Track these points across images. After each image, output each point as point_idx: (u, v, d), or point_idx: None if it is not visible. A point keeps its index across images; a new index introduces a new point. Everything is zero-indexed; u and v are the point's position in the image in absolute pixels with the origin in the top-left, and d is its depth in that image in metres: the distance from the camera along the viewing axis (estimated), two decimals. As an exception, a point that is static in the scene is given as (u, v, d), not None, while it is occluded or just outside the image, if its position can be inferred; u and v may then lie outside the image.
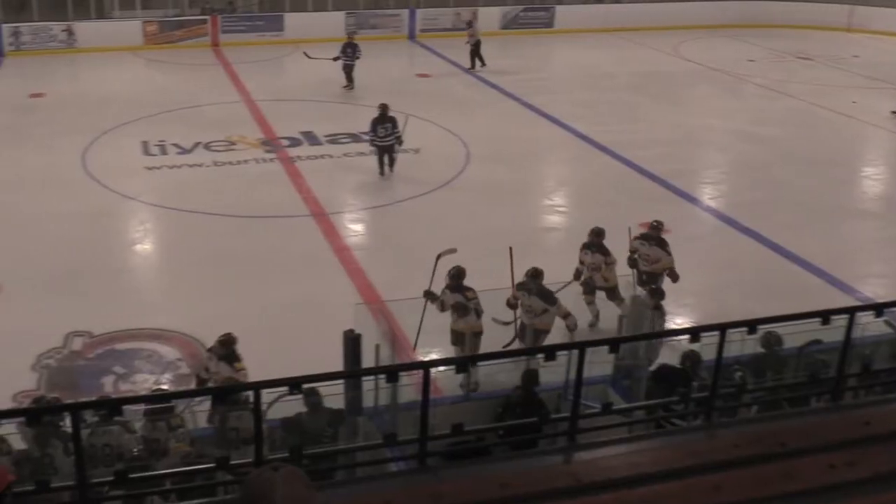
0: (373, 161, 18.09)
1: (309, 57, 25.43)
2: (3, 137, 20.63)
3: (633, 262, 12.32)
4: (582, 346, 6.60)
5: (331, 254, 14.38)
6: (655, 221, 12.54)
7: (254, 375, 8.44)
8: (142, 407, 8.27)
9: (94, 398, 9.65)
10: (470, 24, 29.20)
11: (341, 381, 8.52)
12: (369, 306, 11.33)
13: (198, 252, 14.45)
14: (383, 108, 17.82)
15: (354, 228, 15.78)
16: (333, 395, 8.23)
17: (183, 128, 21.09)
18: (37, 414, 7.05)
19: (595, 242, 12.08)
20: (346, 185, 18.13)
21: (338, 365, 8.89)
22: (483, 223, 15.51)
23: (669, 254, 12.25)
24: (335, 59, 24.75)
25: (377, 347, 9.64)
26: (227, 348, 9.58)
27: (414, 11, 33.05)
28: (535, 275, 10.71)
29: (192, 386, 10.19)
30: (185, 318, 12.14)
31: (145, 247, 15.36)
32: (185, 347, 11.50)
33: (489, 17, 33.61)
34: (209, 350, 9.85)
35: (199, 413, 8.48)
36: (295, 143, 20.19)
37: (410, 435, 6.03)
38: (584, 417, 6.25)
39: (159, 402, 8.12)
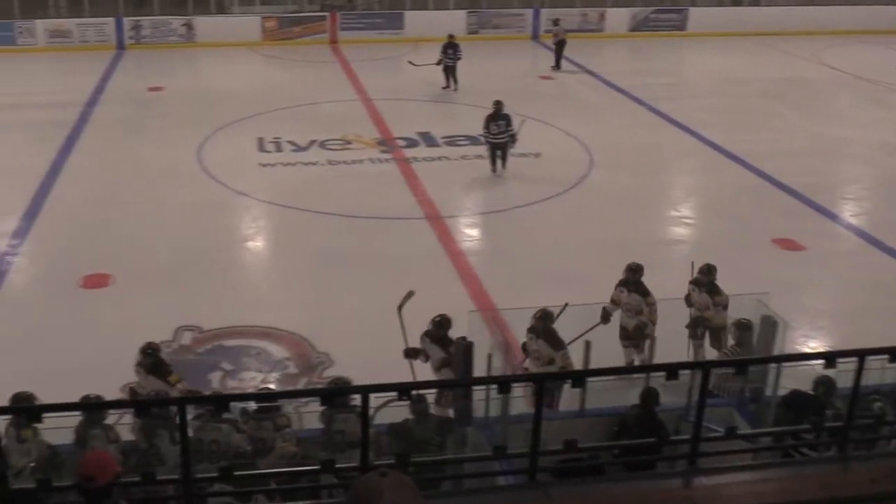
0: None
1: (414, 65, 25.78)
2: (121, 130, 21.46)
3: (689, 302, 11.22)
4: (707, 366, 6.50)
5: (445, 258, 14.47)
6: (706, 265, 11.17)
7: (362, 379, 8.52)
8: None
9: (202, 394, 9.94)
10: (556, 23, 29.32)
11: (451, 389, 8.57)
12: (483, 314, 11.33)
13: (309, 251, 14.71)
14: (497, 105, 18.13)
15: (470, 233, 15.86)
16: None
17: (299, 125, 21.54)
18: (145, 406, 7.29)
19: (632, 280, 11.01)
20: (463, 188, 18.20)
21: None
22: (604, 233, 15.40)
23: (717, 304, 10.97)
24: (438, 62, 25.09)
25: (489, 357, 9.66)
26: (152, 358, 9.49)
27: (538, 11, 33.01)
28: (543, 316, 9.97)
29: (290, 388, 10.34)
30: (294, 317, 12.36)
31: (257, 244, 15.72)
32: (294, 347, 11.71)
33: (618, 19, 33.46)
34: (137, 364, 9.63)
35: (305, 414, 8.61)
36: (412, 143, 20.39)
37: (521, 448, 6.01)
38: (707, 441, 6.14)
39: (266, 401, 8.27)
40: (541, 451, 5.89)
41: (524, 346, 10.22)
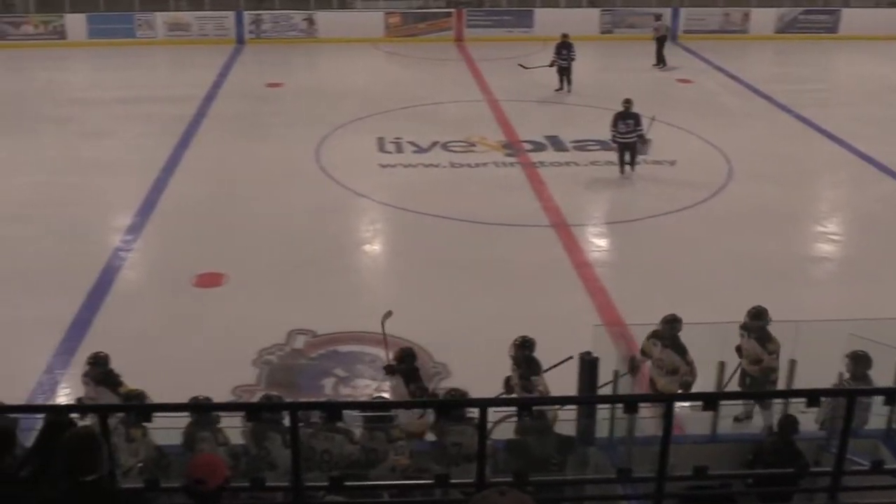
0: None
1: (525, 67, 25.77)
2: (239, 127, 22.03)
3: (739, 353, 10.34)
4: (852, 394, 6.35)
5: (570, 268, 14.42)
6: (754, 308, 10.14)
7: (481, 392, 8.56)
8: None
9: (313, 399, 10.13)
10: (658, 18, 29.53)
11: (574, 406, 8.53)
12: (609, 329, 11.25)
13: (428, 256, 14.85)
14: (627, 103, 18.21)
15: (598, 243, 15.79)
16: (564, 421, 8.24)
17: (421, 126, 21.79)
18: (257, 410, 7.45)
19: (668, 334, 10.00)
20: (592, 195, 18.16)
21: (571, 389, 8.91)
22: (743, 247, 15.13)
23: (771, 353, 9.98)
24: (551, 64, 25.11)
25: (615, 374, 9.58)
26: (101, 368, 9.46)
27: (677, 11, 32.66)
28: (522, 344, 9.57)
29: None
30: (411, 324, 12.37)
31: (374, 247, 15.95)
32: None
33: (763, 20, 32.87)
34: (84, 374, 9.60)
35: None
36: (538, 147, 20.39)
37: (646, 472, 5.97)
38: (850, 474, 6.00)
39: (379, 411, 8.36)
40: (668, 477, 5.84)
41: (507, 381, 9.81)
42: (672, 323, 10.01)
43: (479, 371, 10.46)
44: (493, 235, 15.65)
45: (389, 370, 9.86)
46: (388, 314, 10.36)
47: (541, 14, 32.43)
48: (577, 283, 13.90)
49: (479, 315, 12.75)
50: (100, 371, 9.45)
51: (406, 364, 9.62)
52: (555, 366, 9.81)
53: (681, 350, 9.97)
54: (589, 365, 8.95)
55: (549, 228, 15.94)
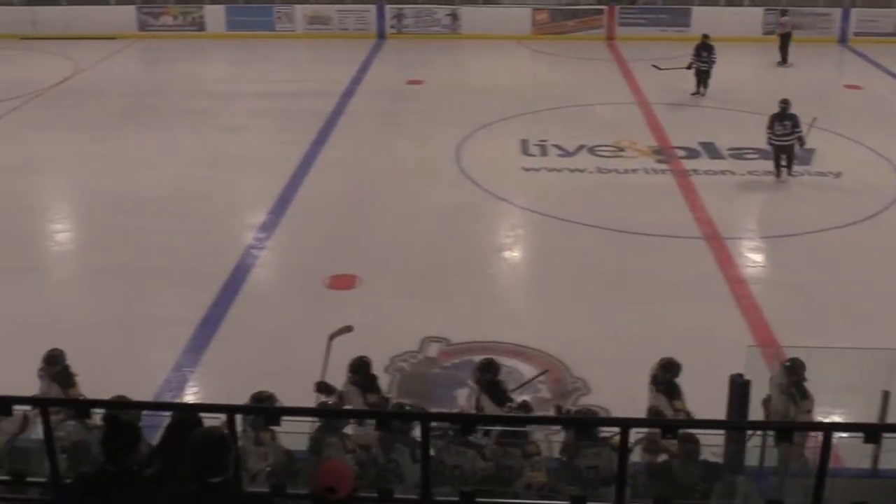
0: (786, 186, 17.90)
1: (659, 69, 25.47)
2: (378, 124, 22.42)
3: (766, 408, 9.59)
4: None
5: (723, 284, 14.19)
6: (790, 360, 9.44)
7: (622, 410, 8.49)
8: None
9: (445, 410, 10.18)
10: (784, 14, 29.37)
11: (723, 431, 8.37)
12: (764, 350, 11.02)
13: (571, 265, 14.80)
14: (783, 103, 18.10)
15: (753, 258, 15.46)
16: (711, 447, 8.09)
17: (567, 128, 21.74)
18: (387, 419, 7.53)
19: (661, 379, 9.54)
20: (748, 207, 17.88)
21: (720, 412, 8.76)
22: (910, 269, 14.66)
23: (806, 411, 9.13)
24: (689, 66, 24.76)
25: (768, 399, 9.40)
26: (56, 365, 9.41)
27: (848, 11, 31.82)
28: (484, 368, 9.51)
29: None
30: (549, 336, 12.42)
31: (514, 254, 15.95)
32: (547, 369, 11.75)
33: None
34: (40, 369, 9.55)
35: (556, 443, 8.63)
36: (692, 154, 20.13)
37: (799, 506, 5.84)
38: None
39: (515, 426, 8.35)
40: (824, 512, 5.71)
41: (477, 402, 9.68)
42: (665, 368, 9.50)
43: (621, 388, 10.37)
44: (640, 246, 15.51)
45: (321, 388, 9.69)
46: (346, 329, 10.33)
47: (698, 13, 31.89)
48: (730, 300, 13.66)
49: (623, 329, 12.64)
50: (57, 370, 9.54)
51: (362, 373, 9.54)
52: (527, 382, 9.97)
53: (672, 394, 9.47)
54: (740, 388, 8.78)
55: (700, 241, 15.70)
